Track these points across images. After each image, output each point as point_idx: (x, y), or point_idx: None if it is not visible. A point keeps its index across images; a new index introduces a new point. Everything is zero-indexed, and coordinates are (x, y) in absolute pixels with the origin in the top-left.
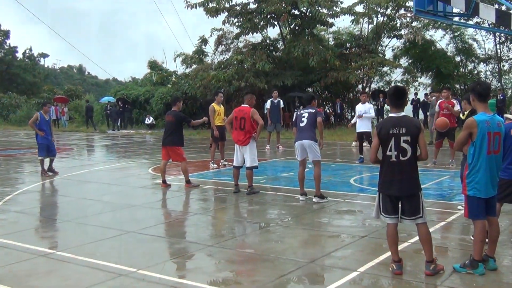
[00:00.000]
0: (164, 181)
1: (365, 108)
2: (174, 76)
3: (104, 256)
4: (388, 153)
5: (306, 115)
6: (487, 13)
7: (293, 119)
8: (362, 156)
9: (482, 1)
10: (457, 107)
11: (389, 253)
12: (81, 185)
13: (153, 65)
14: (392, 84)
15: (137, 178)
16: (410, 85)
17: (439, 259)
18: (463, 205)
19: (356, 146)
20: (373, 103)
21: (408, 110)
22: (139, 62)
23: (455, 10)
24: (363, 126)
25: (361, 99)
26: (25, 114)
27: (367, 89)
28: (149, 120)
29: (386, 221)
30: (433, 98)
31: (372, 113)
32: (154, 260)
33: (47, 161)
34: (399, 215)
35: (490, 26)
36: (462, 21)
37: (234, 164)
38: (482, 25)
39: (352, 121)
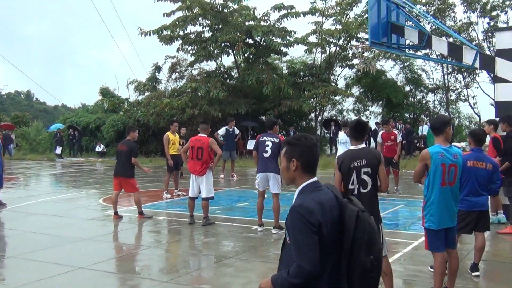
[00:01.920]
0: (115, 213)
1: (346, 138)
2: (126, 103)
3: None
4: (350, 186)
5: (270, 144)
6: (440, 46)
7: (255, 143)
8: None
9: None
10: (398, 138)
11: None
12: (28, 217)
13: (105, 92)
14: (344, 113)
15: (87, 210)
16: (362, 114)
17: None
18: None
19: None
20: (325, 131)
21: None
22: (90, 89)
23: (408, 42)
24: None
25: (344, 130)
26: None
27: (319, 118)
28: (99, 148)
29: None
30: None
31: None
32: None
33: None
34: None
35: (438, 57)
36: (413, 52)
37: (189, 195)
38: (430, 56)
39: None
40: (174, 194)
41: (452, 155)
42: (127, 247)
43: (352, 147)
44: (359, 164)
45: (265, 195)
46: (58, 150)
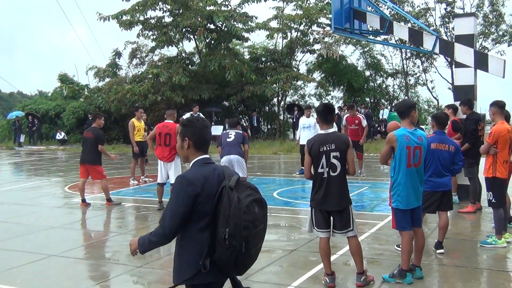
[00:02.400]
0: (83, 200)
1: (309, 122)
2: (86, 89)
3: (27, 283)
4: (319, 170)
5: (233, 133)
6: (401, 32)
7: (218, 140)
8: (303, 167)
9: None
10: (364, 122)
11: (319, 266)
12: None
13: (64, 79)
14: (307, 98)
15: (53, 198)
16: (324, 99)
17: (369, 270)
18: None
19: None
20: (288, 116)
21: None
22: (46, 75)
23: (370, 28)
24: (306, 139)
25: (306, 114)
26: None
27: (282, 103)
28: (60, 136)
29: (319, 235)
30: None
31: (317, 127)
32: (82, 284)
33: None
34: (331, 229)
35: (397, 42)
36: (374, 38)
37: (158, 181)
38: (389, 41)
39: (297, 137)
40: (140, 180)
41: (417, 138)
42: (97, 234)
43: (321, 132)
44: (328, 148)
45: None
46: (22, 138)
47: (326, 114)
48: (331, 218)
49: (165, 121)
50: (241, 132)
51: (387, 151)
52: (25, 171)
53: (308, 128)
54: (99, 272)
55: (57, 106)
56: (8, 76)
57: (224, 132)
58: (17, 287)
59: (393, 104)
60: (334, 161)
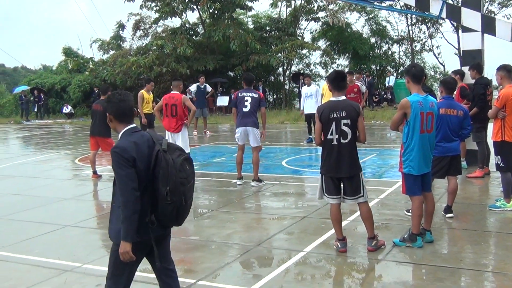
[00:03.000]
0: (94, 172)
1: (311, 91)
2: (91, 62)
3: (44, 252)
4: (329, 136)
5: (249, 99)
6: None
7: (233, 100)
8: (310, 136)
9: None
10: (363, 89)
11: (330, 232)
12: (5, 180)
13: (68, 52)
14: (312, 66)
15: (64, 170)
16: (329, 67)
17: (380, 235)
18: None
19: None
20: (293, 85)
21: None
22: (50, 49)
23: None
24: (310, 108)
25: (306, 82)
26: None
27: (287, 72)
28: (67, 109)
29: (329, 201)
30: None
31: (319, 96)
32: (97, 253)
33: None
34: (342, 195)
35: (403, 8)
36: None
37: None
38: (395, 7)
39: (301, 106)
40: None
41: (429, 104)
42: (110, 204)
43: (333, 98)
44: (338, 116)
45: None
46: (35, 108)
47: (338, 81)
48: (342, 184)
49: (171, 92)
50: (257, 95)
51: (399, 117)
52: (34, 144)
53: (310, 97)
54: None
55: (62, 80)
56: (11, 51)
57: (240, 95)
58: (35, 257)
59: (404, 68)
60: (344, 128)
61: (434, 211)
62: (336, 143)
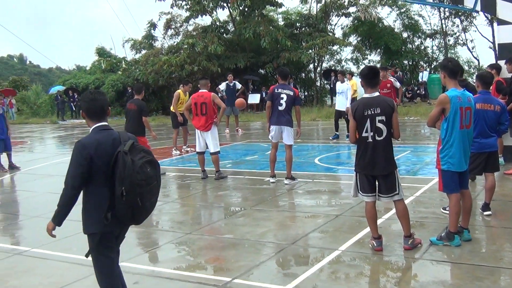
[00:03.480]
0: None
1: (342, 88)
2: (124, 62)
3: (82, 250)
4: (364, 134)
5: (284, 97)
6: None
7: (269, 94)
8: (337, 133)
9: None
10: (396, 85)
11: (366, 231)
12: (44, 179)
13: (101, 52)
14: (343, 62)
15: None
16: (360, 63)
17: (416, 233)
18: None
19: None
20: (325, 82)
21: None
22: (83, 49)
23: None
24: (340, 104)
25: (339, 79)
26: None
27: (318, 69)
28: None
29: (364, 199)
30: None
31: (349, 94)
32: (134, 251)
33: (3, 156)
34: (377, 193)
35: (435, 1)
36: None
37: (197, 150)
38: (427, 0)
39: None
40: (183, 150)
41: (466, 99)
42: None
43: (366, 95)
44: (373, 112)
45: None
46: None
47: (371, 77)
48: (377, 182)
49: (200, 90)
50: (293, 93)
51: (437, 113)
52: (70, 144)
53: (341, 94)
54: (150, 239)
55: (96, 80)
56: (46, 52)
57: (276, 91)
58: (74, 255)
59: (439, 62)
60: (379, 125)
61: (471, 208)
62: (371, 140)
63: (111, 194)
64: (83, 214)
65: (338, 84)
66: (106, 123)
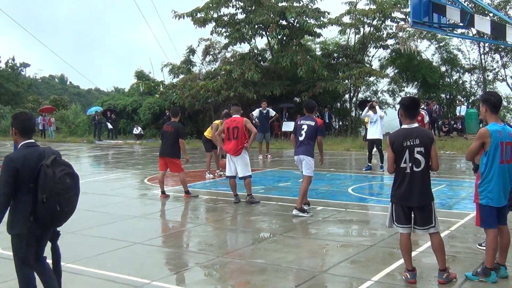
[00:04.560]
0: (163, 192)
1: (375, 117)
2: (161, 86)
3: (115, 267)
4: (402, 165)
5: (305, 127)
6: (483, 25)
7: (294, 127)
8: (370, 164)
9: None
10: (426, 119)
11: (399, 262)
12: (80, 196)
13: (140, 75)
14: (379, 94)
15: (134, 189)
16: (397, 95)
17: (451, 267)
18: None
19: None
20: (360, 112)
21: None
22: (121, 71)
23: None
24: (372, 133)
25: (372, 111)
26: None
27: (354, 99)
28: (137, 130)
29: (399, 230)
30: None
31: (379, 122)
32: (166, 271)
33: None
34: (412, 225)
35: (475, 36)
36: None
37: (227, 174)
38: (467, 34)
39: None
40: (216, 174)
41: (508, 133)
42: (178, 224)
43: (405, 126)
44: (412, 143)
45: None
46: (109, 125)
47: (412, 108)
48: (412, 213)
49: (233, 115)
50: (314, 123)
51: (477, 147)
52: (105, 163)
53: (375, 123)
54: (181, 260)
55: (134, 102)
56: (86, 73)
57: (299, 123)
58: (108, 271)
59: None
60: (418, 156)
61: (509, 245)
62: (409, 171)
63: (35, 200)
64: (9, 217)
65: (371, 113)
66: (33, 141)
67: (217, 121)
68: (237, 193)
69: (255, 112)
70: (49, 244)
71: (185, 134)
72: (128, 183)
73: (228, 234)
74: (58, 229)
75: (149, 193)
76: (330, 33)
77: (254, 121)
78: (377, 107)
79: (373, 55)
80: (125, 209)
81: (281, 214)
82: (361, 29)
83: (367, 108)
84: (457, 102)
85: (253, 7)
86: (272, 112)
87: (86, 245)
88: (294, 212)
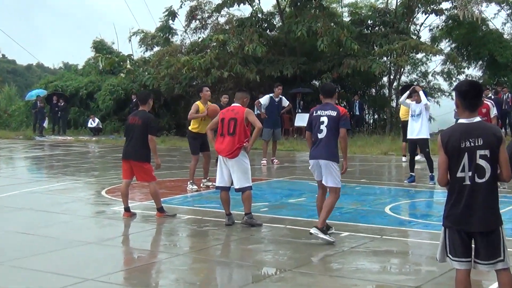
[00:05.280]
0: (126, 209)
1: (419, 109)
2: (129, 61)
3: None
4: (459, 174)
5: (325, 120)
6: None
7: (308, 121)
8: (413, 174)
9: None
10: (493, 112)
11: None
12: (10, 213)
13: (100, 46)
14: (430, 77)
15: (86, 204)
16: (454, 78)
17: None
18: None
19: (407, 161)
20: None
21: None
22: (75, 42)
23: None
24: (416, 131)
25: (413, 97)
26: None
27: (395, 83)
28: (93, 123)
29: (455, 266)
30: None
31: (424, 116)
32: None
33: None
34: (472, 258)
35: None
36: None
37: (217, 184)
38: None
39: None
40: (202, 185)
41: None
42: (147, 254)
43: (463, 121)
44: (473, 144)
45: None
46: (45, 123)
47: (472, 96)
48: (473, 242)
49: (233, 104)
50: (336, 113)
51: None
52: (49, 168)
53: (417, 117)
54: None
55: (90, 84)
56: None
57: (315, 114)
58: None
59: None
60: (481, 162)
61: None
62: (469, 182)
63: None
64: None
65: (413, 104)
66: None
67: (198, 102)
68: (231, 211)
69: (264, 99)
70: None
71: (157, 129)
72: (80, 195)
73: (217, 270)
74: None
75: (108, 210)
76: None
77: (259, 112)
78: (420, 93)
79: (422, 24)
80: (74, 231)
81: (291, 241)
82: None
83: (407, 92)
84: None
85: None
86: (286, 102)
87: (18, 281)
88: (313, 231)
